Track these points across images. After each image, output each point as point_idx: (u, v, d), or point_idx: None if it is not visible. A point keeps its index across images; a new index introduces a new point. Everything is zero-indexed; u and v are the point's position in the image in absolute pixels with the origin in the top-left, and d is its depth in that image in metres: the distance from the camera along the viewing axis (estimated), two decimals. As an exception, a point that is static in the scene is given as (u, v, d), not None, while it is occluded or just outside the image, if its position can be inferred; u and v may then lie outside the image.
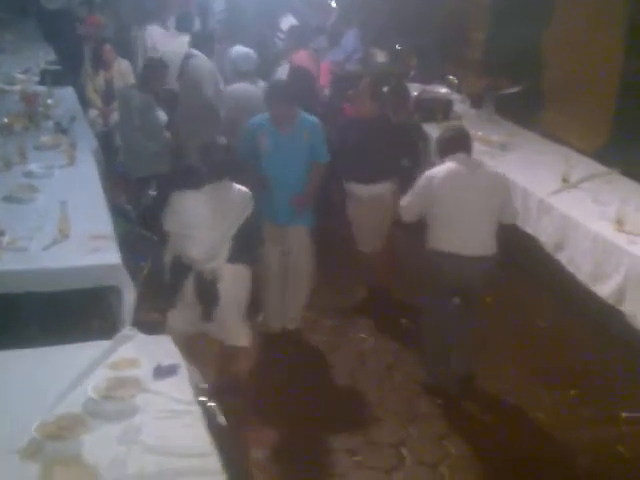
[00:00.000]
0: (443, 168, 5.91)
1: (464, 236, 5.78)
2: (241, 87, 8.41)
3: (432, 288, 6.05)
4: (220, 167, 5.55)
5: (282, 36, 10.53)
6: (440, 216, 5.85)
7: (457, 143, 6.00)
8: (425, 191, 5.90)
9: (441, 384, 6.13)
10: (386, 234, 7.29)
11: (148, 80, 8.12)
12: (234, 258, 5.45)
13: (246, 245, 5.50)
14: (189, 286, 5.45)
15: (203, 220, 5.39)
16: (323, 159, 6.57)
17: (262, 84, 8.43)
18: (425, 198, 5.91)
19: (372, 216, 7.13)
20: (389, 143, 7.06)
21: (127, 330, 4.66)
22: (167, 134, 8.35)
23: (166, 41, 10.51)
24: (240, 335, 5.68)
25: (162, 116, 8.23)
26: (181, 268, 5.47)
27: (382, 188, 7.10)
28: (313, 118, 6.56)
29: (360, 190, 7.09)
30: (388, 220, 7.19)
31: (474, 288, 5.98)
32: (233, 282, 5.48)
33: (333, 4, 12.06)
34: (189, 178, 5.60)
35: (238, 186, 5.54)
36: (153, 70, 8.22)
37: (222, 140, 5.86)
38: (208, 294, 5.42)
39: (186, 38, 9.86)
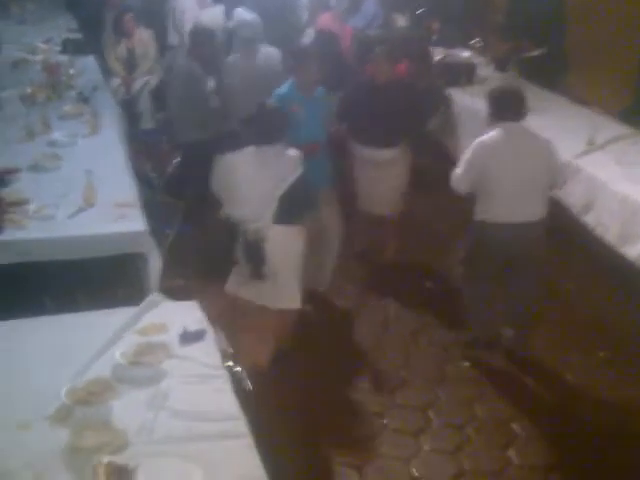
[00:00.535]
0: (494, 137, 5.70)
1: (517, 205, 5.67)
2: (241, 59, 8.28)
3: (481, 259, 5.93)
4: (272, 130, 5.54)
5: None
6: (492, 186, 5.69)
7: (510, 108, 5.78)
8: (478, 160, 5.73)
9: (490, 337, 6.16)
10: (402, 198, 7.31)
11: (194, 48, 7.94)
12: (280, 219, 5.44)
13: (293, 207, 5.47)
14: (239, 244, 5.49)
15: (248, 181, 5.41)
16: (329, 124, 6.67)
17: (269, 50, 8.36)
18: (476, 168, 5.73)
19: (385, 180, 7.14)
20: (405, 107, 6.99)
21: (154, 296, 4.68)
22: (215, 101, 8.20)
23: (197, 12, 10.37)
24: (290, 297, 5.66)
25: (210, 84, 8.12)
26: (231, 228, 5.50)
27: (395, 152, 7.09)
28: (321, 88, 6.61)
29: (372, 154, 7.06)
30: (404, 183, 7.23)
31: (528, 255, 5.85)
32: (280, 242, 5.46)
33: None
34: (233, 142, 5.57)
35: (287, 148, 5.54)
36: (199, 38, 8.04)
37: (275, 104, 5.79)
38: (254, 253, 5.43)
39: (220, 8, 9.81)
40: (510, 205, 5.67)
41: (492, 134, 5.72)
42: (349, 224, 7.07)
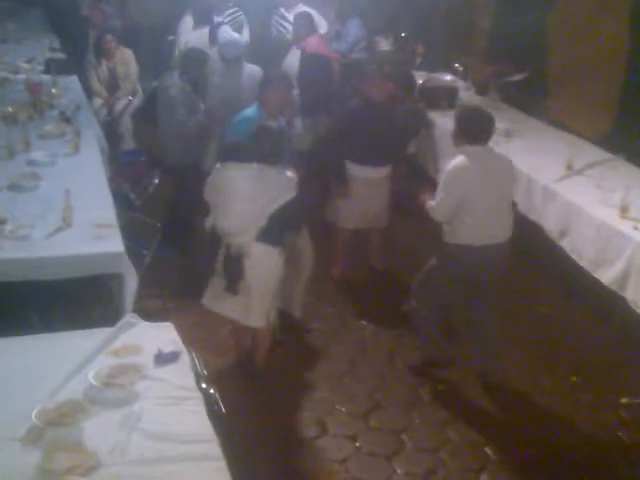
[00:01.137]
0: (464, 162, 5.65)
1: (488, 227, 5.69)
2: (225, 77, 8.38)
3: (447, 280, 5.92)
4: (272, 152, 5.61)
5: (286, 24, 10.45)
6: (464, 210, 5.66)
7: (478, 131, 5.74)
8: (454, 187, 5.67)
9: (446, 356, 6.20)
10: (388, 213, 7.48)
11: (188, 70, 7.95)
12: (265, 238, 5.50)
13: (280, 227, 5.55)
14: (220, 256, 5.56)
15: (241, 194, 5.46)
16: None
17: (251, 68, 8.43)
18: (456, 194, 5.65)
19: (378, 197, 7.29)
20: (395, 128, 7.12)
21: (129, 317, 4.66)
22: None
23: (189, 32, 10.43)
24: (258, 316, 5.71)
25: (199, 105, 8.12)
26: (215, 239, 5.57)
27: (388, 170, 7.25)
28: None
29: (371, 172, 7.16)
30: (386, 202, 7.38)
31: (493, 277, 5.89)
32: (261, 260, 5.53)
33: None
34: (236, 152, 5.61)
35: (284, 170, 5.62)
36: (193, 59, 8.06)
37: (276, 126, 5.84)
38: (233, 267, 5.50)
39: (205, 30, 9.85)
40: (481, 228, 5.68)
41: (461, 159, 5.66)
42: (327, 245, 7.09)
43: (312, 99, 8.78)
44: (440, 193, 5.73)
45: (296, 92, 8.59)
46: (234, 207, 5.47)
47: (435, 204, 5.77)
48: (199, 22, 10.42)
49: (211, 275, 5.71)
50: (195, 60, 7.98)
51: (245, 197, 5.46)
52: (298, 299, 6.62)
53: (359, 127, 7.05)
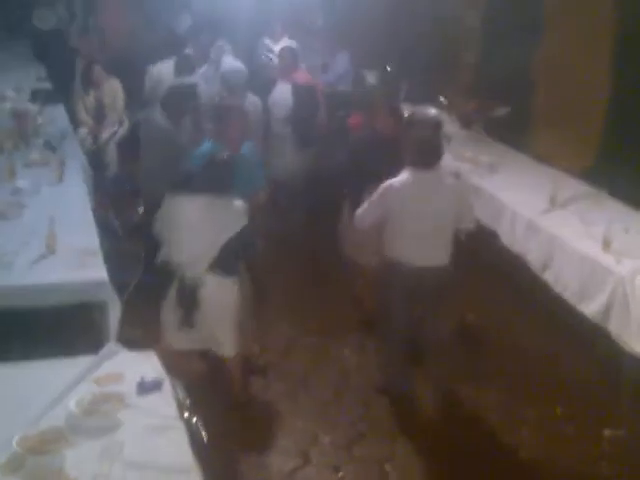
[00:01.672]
0: (401, 180, 5.82)
1: (423, 249, 5.80)
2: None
3: (390, 296, 6.06)
4: (222, 182, 5.60)
5: (271, 55, 10.53)
6: (396, 227, 5.86)
7: (423, 154, 5.85)
8: (381, 202, 5.87)
9: (400, 388, 6.21)
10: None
11: (170, 108, 7.92)
12: (218, 268, 5.50)
13: (232, 257, 5.55)
14: (173, 291, 5.53)
15: (191, 227, 5.46)
16: (260, 186, 6.63)
17: (253, 99, 8.45)
18: (379, 209, 5.88)
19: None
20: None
21: (111, 345, 4.65)
22: None
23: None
24: (225, 344, 5.70)
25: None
26: (167, 272, 5.54)
27: None
28: (245, 146, 6.57)
29: None
30: None
31: (431, 298, 5.97)
32: (216, 290, 5.53)
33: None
34: (185, 184, 5.62)
35: (235, 199, 5.60)
36: (177, 98, 8.02)
37: (225, 156, 5.83)
38: (188, 299, 5.49)
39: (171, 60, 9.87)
40: (413, 248, 5.79)
41: (402, 178, 5.81)
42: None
43: (305, 131, 8.85)
44: (366, 203, 5.95)
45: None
46: (186, 238, 5.48)
47: (360, 212, 6.00)
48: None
49: (161, 314, 5.68)
50: (181, 98, 7.96)
51: (196, 228, 5.47)
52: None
53: (366, 162, 6.88)
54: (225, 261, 5.51)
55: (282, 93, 9.13)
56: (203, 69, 9.91)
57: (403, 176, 5.83)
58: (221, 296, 5.59)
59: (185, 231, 5.47)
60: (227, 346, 5.73)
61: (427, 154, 5.85)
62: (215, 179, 5.59)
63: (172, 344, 5.65)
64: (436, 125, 6.09)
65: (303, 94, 8.89)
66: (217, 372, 6.02)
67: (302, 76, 9.43)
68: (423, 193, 5.79)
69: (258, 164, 6.66)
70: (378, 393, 6.30)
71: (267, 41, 10.88)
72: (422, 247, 5.80)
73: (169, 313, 5.62)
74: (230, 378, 5.95)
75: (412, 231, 5.78)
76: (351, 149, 7.49)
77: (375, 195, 5.89)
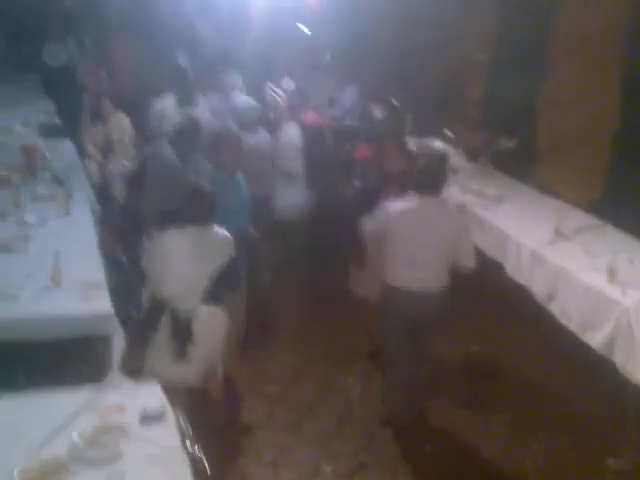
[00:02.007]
0: (402, 205, 5.98)
1: (420, 273, 5.89)
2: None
3: (388, 322, 6.15)
4: (204, 212, 5.65)
5: (278, 94, 10.60)
6: (394, 252, 5.97)
7: (426, 180, 6.00)
8: (380, 223, 6.05)
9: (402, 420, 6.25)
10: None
11: (178, 144, 7.99)
12: (209, 299, 5.54)
13: (222, 287, 5.59)
14: (164, 324, 5.51)
15: (180, 260, 5.50)
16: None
17: (265, 134, 8.50)
18: (379, 229, 6.05)
19: None
20: None
21: (115, 376, 4.66)
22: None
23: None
24: (212, 377, 5.74)
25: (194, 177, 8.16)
26: (157, 307, 5.54)
27: None
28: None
29: None
30: None
31: (425, 322, 6.06)
32: (208, 322, 5.55)
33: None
34: (172, 218, 5.69)
35: (220, 229, 5.67)
36: (185, 134, 8.10)
37: (207, 186, 5.88)
38: (182, 332, 5.49)
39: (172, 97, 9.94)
40: (410, 272, 5.88)
41: (405, 201, 5.98)
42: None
43: (314, 171, 8.91)
44: (373, 217, 6.17)
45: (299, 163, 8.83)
46: (177, 271, 5.51)
47: (366, 223, 6.23)
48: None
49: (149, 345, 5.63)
50: (189, 134, 8.03)
51: (186, 260, 5.52)
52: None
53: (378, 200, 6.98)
54: (216, 291, 5.55)
55: (290, 133, 9.19)
56: (209, 100, 9.96)
57: (406, 200, 5.99)
58: (214, 327, 5.61)
59: (176, 264, 5.50)
60: (215, 378, 5.78)
61: (430, 182, 5.97)
62: (197, 208, 5.65)
63: (164, 380, 5.59)
64: (441, 157, 6.17)
65: (312, 135, 8.96)
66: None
67: (310, 116, 9.50)
68: (422, 218, 5.91)
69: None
70: (381, 424, 6.30)
71: (276, 79, 10.95)
72: (417, 271, 5.88)
73: (160, 348, 5.55)
74: (212, 403, 5.93)
75: (408, 254, 5.88)
76: (359, 186, 7.54)
77: (378, 215, 6.09)
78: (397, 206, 5.98)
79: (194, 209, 5.66)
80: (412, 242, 5.87)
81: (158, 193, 7.81)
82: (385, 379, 6.43)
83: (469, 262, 6.07)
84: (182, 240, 5.56)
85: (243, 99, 9.04)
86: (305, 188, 9.12)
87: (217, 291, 5.56)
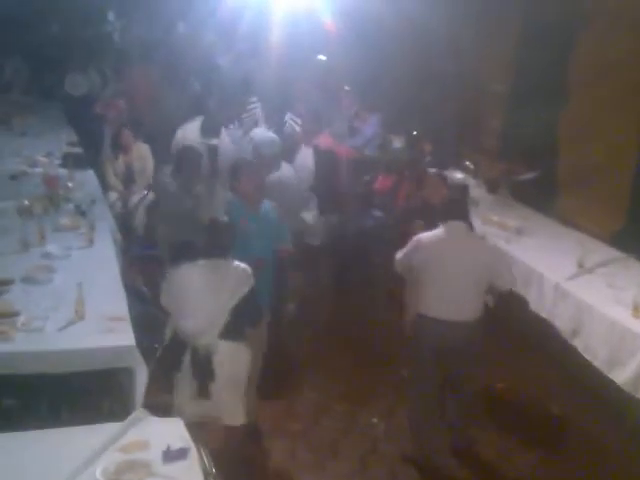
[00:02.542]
0: (432, 235, 6.09)
1: (453, 302, 5.92)
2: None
3: (420, 354, 6.14)
4: (224, 245, 5.62)
5: (295, 122, 10.61)
6: (425, 281, 6.02)
7: (452, 210, 6.17)
8: (411, 253, 6.13)
9: (431, 458, 6.15)
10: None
11: (182, 168, 8.10)
12: (229, 334, 5.48)
13: (242, 321, 5.53)
14: (186, 362, 5.48)
15: (198, 294, 5.47)
16: (288, 243, 6.70)
17: (288, 168, 8.48)
18: (412, 260, 6.11)
19: None
20: None
21: (138, 412, 4.64)
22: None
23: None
24: (237, 414, 5.62)
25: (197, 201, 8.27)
26: (178, 344, 5.51)
27: None
28: (267, 204, 6.69)
29: None
30: None
31: (459, 355, 6.04)
32: (229, 358, 5.49)
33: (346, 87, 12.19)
34: (185, 253, 5.67)
35: (238, 263, 5.60)
36: (187, 158, 8.21)
37: (225, 218, 5.87)
38: (203, 369, 5.44)
39: (197, 121, 9.98)
40: (443, 302, 5.92)
41: (434, 232, 6.09)
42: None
43: (327, 196, 8.89)
44: (404, 249, 6.22)
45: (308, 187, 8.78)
46: (195, 307, 5.46)
47: (397, 256, 6.26)
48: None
49: (173, 385, 5.60)
50: (189, 160, 8.14)
51: (204, 295, 5.47)
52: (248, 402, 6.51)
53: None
54: (235, 326, 5.49)
55: (304, 158, 9.19)
56: (231, 130, 9.99)
57: (435, 231, 6.09)
58: (235, 362, 5.55)
59: (194, 299, 5.47)
60: (239, 414, 5.64)
61: (457, 212, 6.13)
62: (216, 241, 5.63)
63: (187, 416, 5.56)
64: (465, 187, 6.24)
65: (324, 159, 8.93)
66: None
67: (324, 141, 9.49)
68: (452, 249, 5.99)
69: (280, 221, 6.68)
70: (406, 461, 6.26)
71: (295, 109, 10.97)
72: (453, 300, 5.92)
73: (184, 385, 5.53)
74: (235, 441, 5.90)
75: (441, 284, 5.94)
76: (378, 217, 7.54)
77: (409, 246, 6.16)
78: (427, 237, 6.08)
79: (213, 242, 5.63)
80: (444, 272, 5.95)
81: (162, 222, 7.89)
82: (412, 412, 6.40)
83: (508, 284, 6.23)
84: (197, 274, 5.53)
85: (262, 133, 9.01)
86: (318, 213, 9.08)
87: (237, 326, 5.50)
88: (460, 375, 6.16)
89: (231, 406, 5.59)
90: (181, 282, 5.56)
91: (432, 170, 9.82)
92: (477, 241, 6.31)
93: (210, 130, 9.34)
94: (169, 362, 5.57)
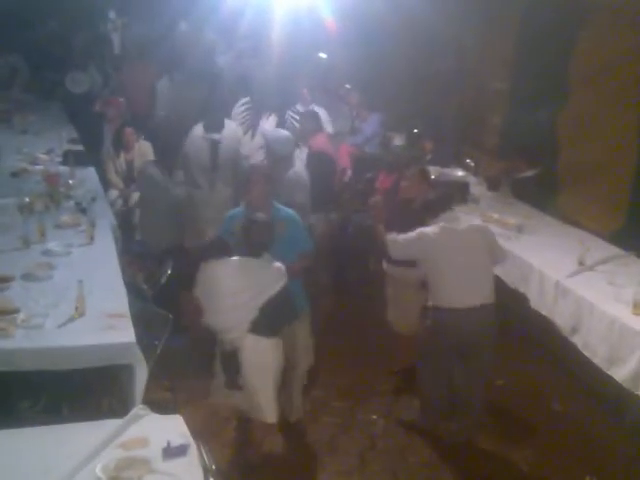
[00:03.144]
0: (434, 230, 6.20)
1: (462, 290, 6.07)
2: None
3: (435, 345, 6.25)
4: (261, 244, 5.67)
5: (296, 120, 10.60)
6: (437, 275, 6.18)
7: (442, 203, 6.40)
8: (417, 248, 6.24)
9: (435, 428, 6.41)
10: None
11: (163, 159, 8.20)
12: (257, 329, 5.51)
13: (273, 318, 5.55)
14: (217, 353, 5.61)
15: (227, 290, 5.51)
16: (308, 249, 6.48)
17: (300, 164, 8.34)
18: (416, 253, 6.27)
19: (418, 299, 7.09)
20: None
21: (138, 409, 4.64)
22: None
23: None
24: (267, 409, 5.66)
25: (181, 191, 8.33)
26: (212, 335, 5.63)
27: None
28: (289, 210, 6.43)
29: (410, 273, 6.93)
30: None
31: (478, 342, 6.18)
32: (256, 352, 5.53)
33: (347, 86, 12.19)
34: (218, 249, 5.70)
35: (272, 260, 5.64)
36: (171, 148, 8.31)
37: (263, 217, 5.87)
38: (229, 363, 5.53)
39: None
40: (460, 290, 6.06)
41: (432, 229, 6.21)
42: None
43: (318, 196, 8.85)
44: (404, 238, 6.29)
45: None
46: (223, 303, 5.52)
47: (396, 241, 6.32)
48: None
49: (211, 372, 5.77)
50: (171, 150, 8.23)
51: (232, 292, 5.51)
52: (294, 399, 6.55)
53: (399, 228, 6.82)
54: (265, 322, 5.52)
55: (300, 159, 9.16)
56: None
57: (434, 226, 6.23)
58: (261, 358, 5.58)
59: (222, 296, 5.52)
60: (269, 411, 5.68)
61: (447, 203, 6.43)
62: (255, 239, 5.66)
63: (221, 399, 5.74)
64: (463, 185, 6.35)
65: (316, 160, 8.90)
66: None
67: (319, 141, 9.46)
68: (455, 238, 6.18)
69: (303, 227, 6.57)
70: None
71: (298, 106, 10.97)
72: (469, 287, 6.09)
73: (217, 375, 5.72)
74: (249, 440, 5.93)
75: (454, 276, 6.08)
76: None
77: (412, 240, 6.24)
78: (431, 230, 6.20)
79: (250, 240, 5.68)
80: (454, 261, 6.09)
81: (149, 210, 7.95)
82: (424, 400, 6.56)
83: (501, 259, 6.57)
84: (226, 271, 5.57)
85: (274, 131, 8.96)
86: (313, 214, 9.05)
87: (266, 322, 5.53)
88: (483, 359, 6.29)
89: (260, 402, 5.63)
90: (213, 277, 5.62)
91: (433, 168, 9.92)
92: (472, 224, 6.53)
93: (213, 126, 9.33)
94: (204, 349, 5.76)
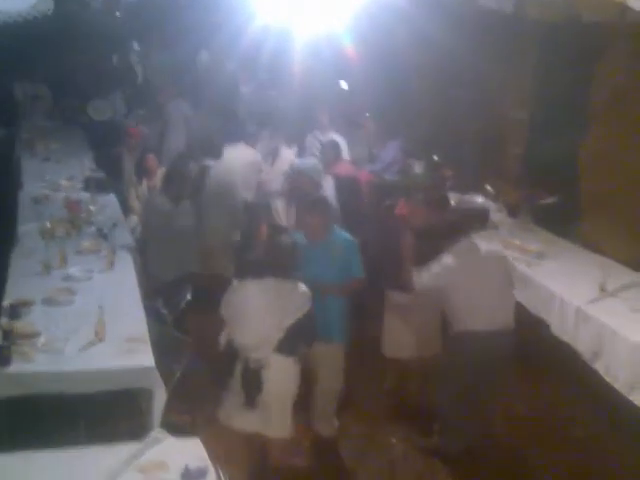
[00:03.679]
0: (455, 260, 6.23)
1: (487, 311, 6.13)
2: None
3: (457, 372, 6.24)
4: (285, 265, 5.70)
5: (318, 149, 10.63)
6: (458, 301, 6.22)
7: (461, 228, 6.48)
8: (442, 281, 6.24)
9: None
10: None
11: (172, 186, 8.24)
12: (282, 349, 5.54)
13: (297, 339, 5.60)
14: (237, 371, 5.59)
15: (258, 310, 5.54)
16: (360, 274, 6.53)
17: (329, 185, 8.52)
18: (440, 286, 6.26)
19: (417, 325, 7.18)
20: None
21: (157, 432, 4.65)
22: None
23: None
24: (280, 427, 5.68)
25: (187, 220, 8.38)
26: (231, 353, 5.62)
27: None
28: (347, 235, 6.57)
29: (406, 299, 6.99)
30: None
31: (496, 364, 6.22)
32: (279, 373, 5.56)
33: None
34: (252, 269, 5.77)
35: (299, 284, 5.67)
36: (177, 176, 8.35)
37: (289, 239, 5.94)
38: (251, 381, 5.52)
39: None
40: (481, 314, 6.12)
41: (453, 258, 6.25)
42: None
43: (349, 223, 8.88)
44: (429, 275, 6.29)
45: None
46: (252, 322, 5.55)
47: (421, 277, 6.32)
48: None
49: (224, 390, 5.74)
50: (179, 176, 8.26)
51: (263, 312, 5.54)
52: (324, 414, 6.63)
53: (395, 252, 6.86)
54: (288, 341, 5.55)
55: (325, 188, 9.19)
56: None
57: (454, 255, 6.27)
58: (284, 377, 5.63)
59: (253, 315, 5.55)
60: (284, 427, 5.71)
61: (467, 230, 6.46)
62: (280, 263, 5.70)
63: (231, 424, 5.68)
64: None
65: (345, 187, 8.94)
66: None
67: (345, 168, 9.51)
68: (475, 261, 6.27)
69: (357, 253, 6.58)
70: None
71: (316, 133, 11.03)
72: (486, 308, 6.14)
73: (233, 394, 5.66)
74: (270, 462, 5.91)
75: (477, 301, 6.14)
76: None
77: (436, 272, 6.27)
78: (453, 260, 6.23)
79: (275, 261, 5.73)
80: (476, 286, 6.16)
81: (154, 240, 8.01)
82: (444, 424, 6.56)
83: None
84: (259, 291, 5.61)
85: (306, 161, 9.04)
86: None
87: (290, 343, 5.57)
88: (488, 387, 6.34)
89: (277, 419, 5.65)
90: (243, 296, 5.67)
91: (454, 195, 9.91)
92: (489, 250, 6.53)
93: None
94: (221, 369, 5.71)
